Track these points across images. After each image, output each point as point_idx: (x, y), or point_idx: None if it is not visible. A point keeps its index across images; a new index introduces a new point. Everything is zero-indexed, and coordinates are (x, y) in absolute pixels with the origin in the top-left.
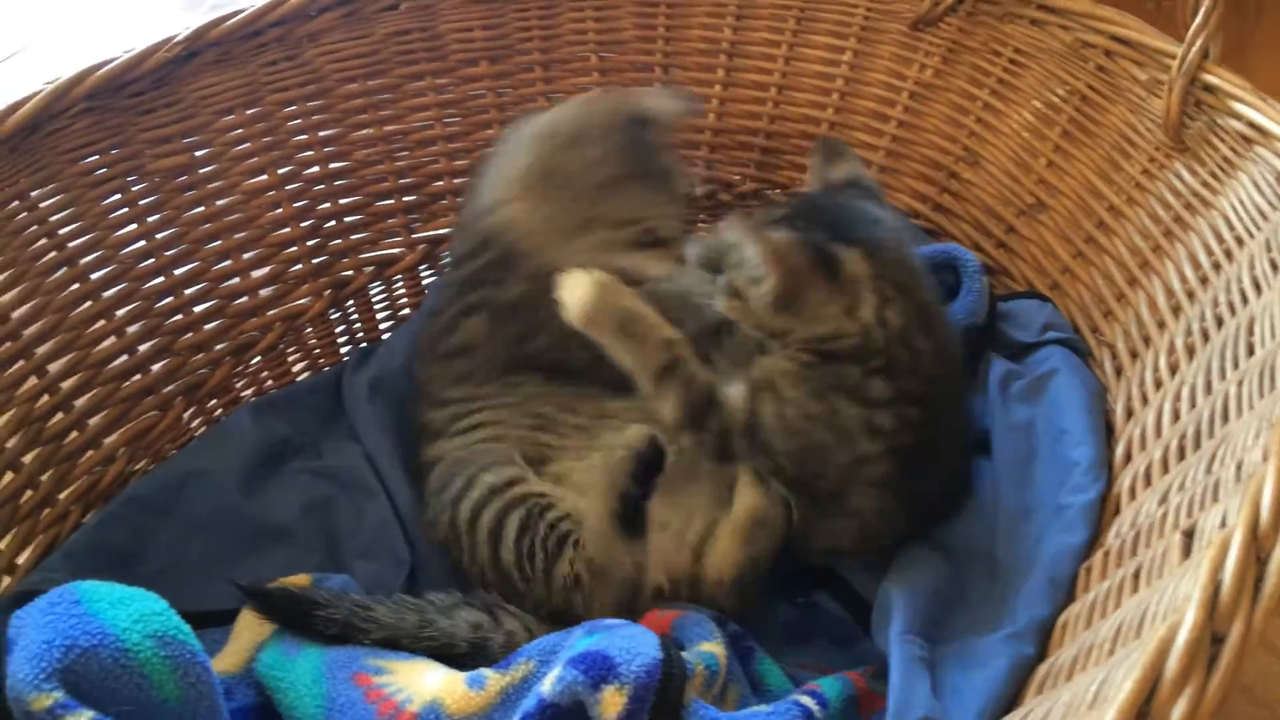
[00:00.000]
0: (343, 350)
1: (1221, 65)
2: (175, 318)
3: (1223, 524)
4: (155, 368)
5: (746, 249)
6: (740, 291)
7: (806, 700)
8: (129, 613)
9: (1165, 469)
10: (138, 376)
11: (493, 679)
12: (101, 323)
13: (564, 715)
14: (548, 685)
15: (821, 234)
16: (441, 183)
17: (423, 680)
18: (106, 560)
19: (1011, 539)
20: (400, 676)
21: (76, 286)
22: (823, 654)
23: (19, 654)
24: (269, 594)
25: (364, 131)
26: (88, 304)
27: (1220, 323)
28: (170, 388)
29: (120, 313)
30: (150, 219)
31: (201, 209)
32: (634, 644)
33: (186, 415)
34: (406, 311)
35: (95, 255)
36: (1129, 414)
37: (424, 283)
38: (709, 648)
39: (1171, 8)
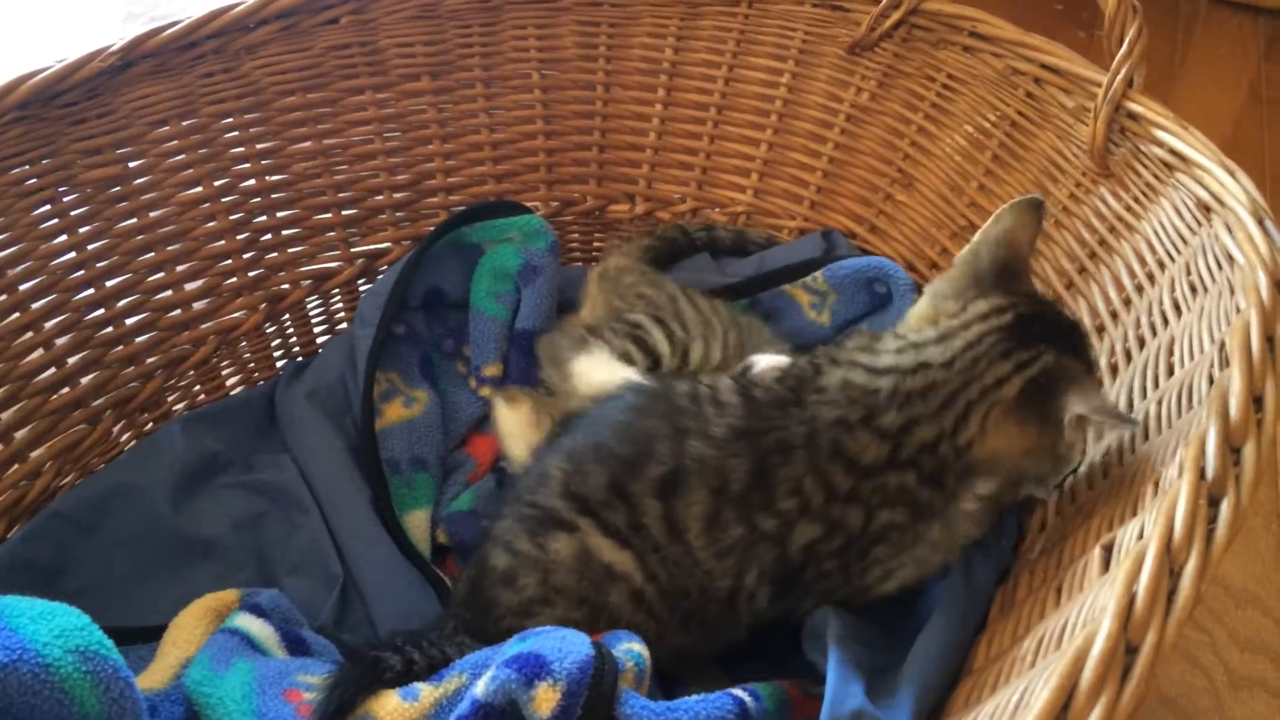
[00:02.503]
0: (278, 364)
1: (1148, 94)
2: (106, 330)
3: (1140, 538)
4: (84, 380)
5: None
6: None
7: (740, 693)
8: (49, 628)
9: (1089, 485)
10: (66, 389)
11: (426, 691)
12: (29, 334)
13: (497, 715)
14: (481, 687)
15: None
16: (381, 197)
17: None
18: (30, 576)
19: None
20: None
21: (4, 297)
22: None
23: None
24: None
25: (302, 145)
26: (15, 315)
27: (1142, 343)
28: (99, 401)
29: (49, 324)
30: (81, 230)
31: (134, 220)
32: (565, 644)
33: (116, 429)
34: (343, 325)
35: (24, 266)
36: None
37: (362, 295)
38: (634, 646)
39: (1102, 39)
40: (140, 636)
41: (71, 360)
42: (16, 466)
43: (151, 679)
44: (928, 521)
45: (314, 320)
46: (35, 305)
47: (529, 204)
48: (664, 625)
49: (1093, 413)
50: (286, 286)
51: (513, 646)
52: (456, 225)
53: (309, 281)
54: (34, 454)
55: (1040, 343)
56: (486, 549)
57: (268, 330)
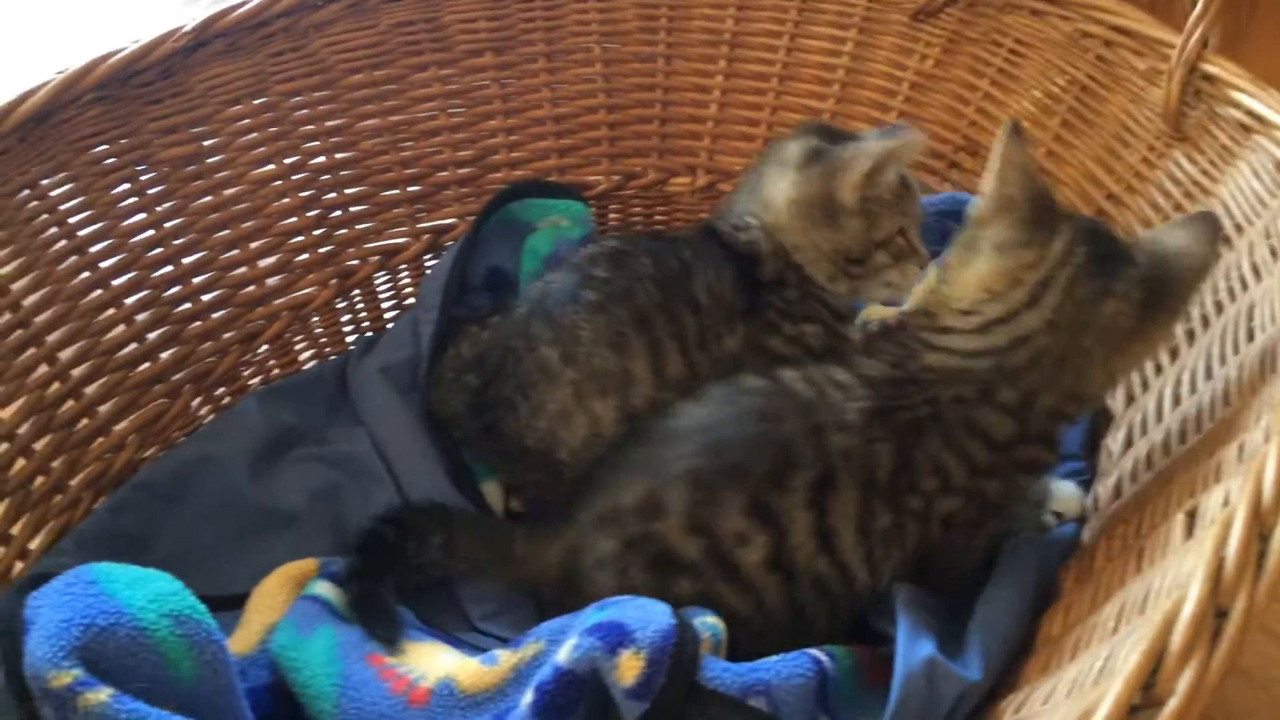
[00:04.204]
0: (348, 339)
1: (1220, 56)
2: (183, 306)
3: (1225, 503)
4: (164, 355)
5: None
6: None
7: (816, 653)
8: (145, 592)
9: (1166, 452)
10: (146, 364)
11: (505, 656)
12: (111, 311)
13: (579, 683)
14: (564, 654)
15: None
16: (446, 173)
17: (435, 660)
18: (117, 546)
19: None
20: (412, 658)
21: (86, 275)
22: None
23: (37, 633)
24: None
25: (369, 122)
26: (97, 292)
27: (1220, 309)
28: (178, 375)
29: (129, 301)
30: (158, 208)
31: (209, 198)
32: (647, 613)
33: (195, 403)
34: (411, 301)
35: (104, 244)
36: (1130, 400)
37: (428, 271)
38: (710, 619)
39: (1170, 0)
40: (224, 604)
41: (151, 336)
42: (101, 440)
43: (238, 644)
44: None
45: (382, 296)
46: (116, 282)
47: (591, 178)
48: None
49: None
50: (355, 262)
51: (593, 615)
52: (504, 203)
53: (377, 257)
54: (117, 427)
55: (1114, 257)
56: (585, 561)
57: (338, 306)
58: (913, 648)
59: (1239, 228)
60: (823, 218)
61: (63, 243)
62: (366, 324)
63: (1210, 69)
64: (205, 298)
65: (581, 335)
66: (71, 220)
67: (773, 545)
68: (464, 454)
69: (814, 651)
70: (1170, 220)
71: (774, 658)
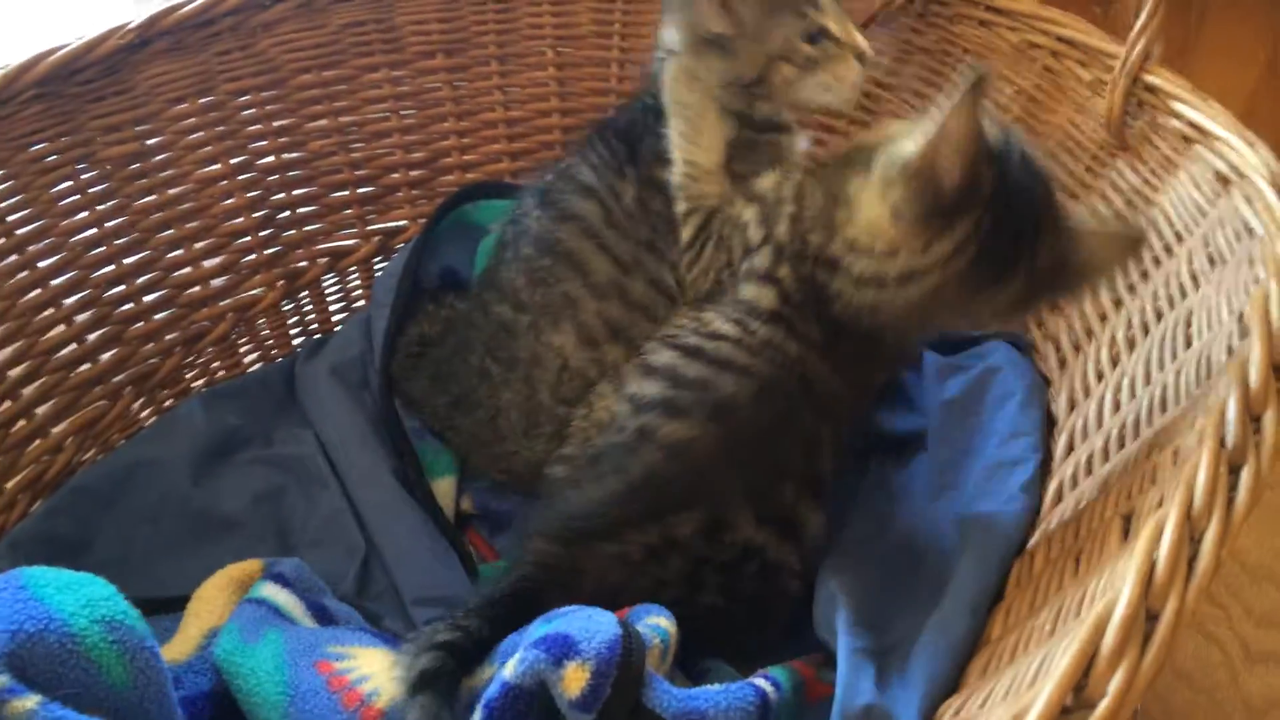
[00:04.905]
0: (295, 341)
1: (1164, 68)
2: (125, 307)
3: (1159, 507)
4: (104, 357)
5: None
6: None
7: (760, 682)
8: (76, 597)
9: (1106, 458)
10: (86, 366)
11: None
12: (50, 311)
13: (527, 697)
14: (510, 669)
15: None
16: (397, 175)
17: (386, 669)
18: (53, 550)
19: (949, 529)
20: (362, 661)
21: (24, 274)
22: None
23: None
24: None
25: (319, 123)
26: (36, 292)
27: (1160, 316)
28: (119, 377)
29: (69, 301)
30: (100, 207)
31: (153, 197)
32: (593, 624)
33: (136, 405)
34: (361, 303)
35: (44, 243)
36: (1071, 406)
37: (377, 274)
38: (658, 620)
39: (1117, 14)
40: (163, 607)
41: (91, 336)
42: (38, 442)
43: (175, 650)
44: None
45: (330, 298)
46: (55, 282)
47: None
48: None
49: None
50: (304, 264)
51: (539, 628)
52: (457, 204)
53: (325, 259)
54: (55, 430)
55: (1011, 251)
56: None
57: (285, 308)
58: (853, 689)
59: (1179, 236)
60: (709, 53)
61: (1, 241)
62: (314, 326)
63: (1152, 80)
64: (148, 298)
65: (519, 284)
66: (10, 219)
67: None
68: (420, 449)
69: (759, 681)
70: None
71: (717, 686)
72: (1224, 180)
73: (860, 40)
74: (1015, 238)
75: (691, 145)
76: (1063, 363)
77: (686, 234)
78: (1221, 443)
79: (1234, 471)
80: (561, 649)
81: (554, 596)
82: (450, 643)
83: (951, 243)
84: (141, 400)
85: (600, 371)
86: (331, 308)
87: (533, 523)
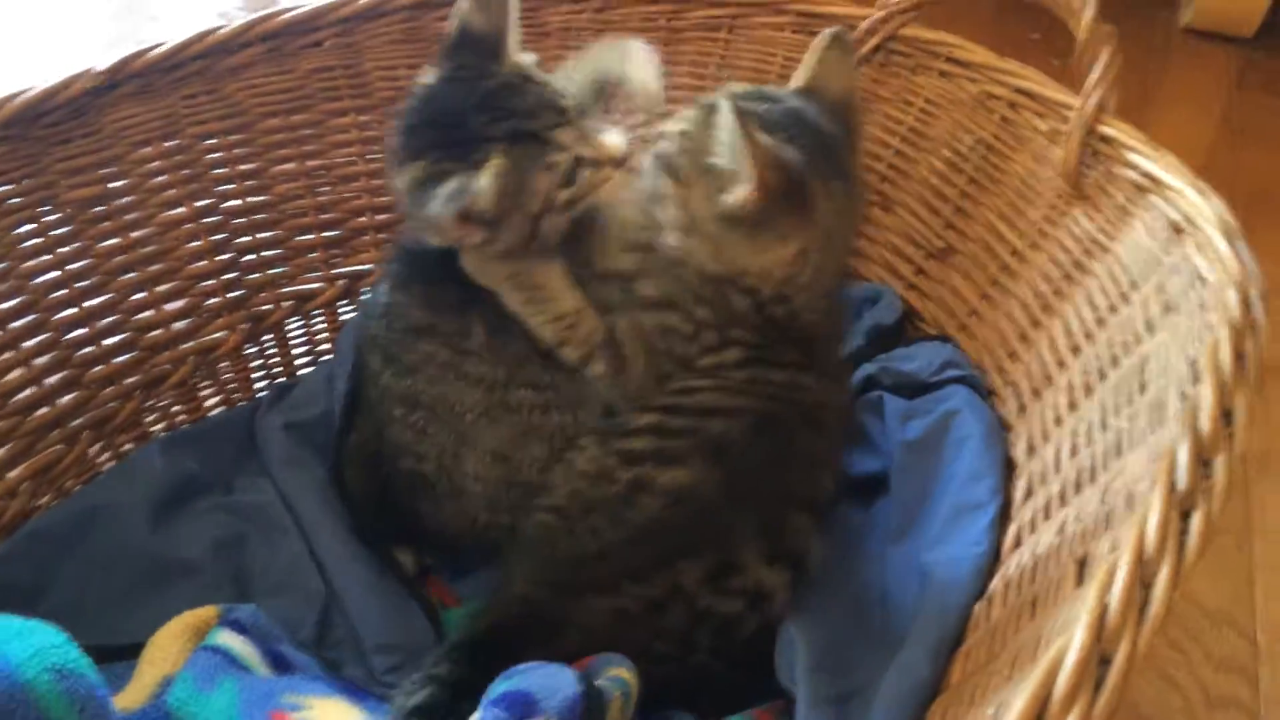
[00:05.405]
0: (258, 385)
1: (1122, 118)
2: (85, 350)
3: (1113, 550)
4: (63, 400)
5: (730, 146)
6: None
7: None
8: (25, 645)
9: (1063, 502)
10: (44, 409)
11: None
12: (8, 354)
13: None
14: None
15: (808, 161)
16: (364, 218)
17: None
18: (7, 596)
19: (910, 573)
20: (318, 711)
21: None
22: None
23: None
24: None
25: (286, 166)
26: None
27: (1116, 362)
28: (78, 421)
29: (28, 344)
30: (62, 249)
31: (116, 240)
32: (553, 681)
33: (94, 450)
34: (325, 347)
35: (4, 285)
36: (1031, 450)
37: (342, 318)
38: (619, 672)
39: (1076, 66)
40: (118, 655)
41: (50, 380)
42: None
43: (129, 698)
44: None
45: (294, 341)
46: (14, 324)
47: None
48: None
49: None
50: (268, 307)
51: (499, 685)
52: None
53: (290, 302)
54: (10, 474)
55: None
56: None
57: (248, 351)
58: None
59: (1134, 284)
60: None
61: None
62: (278, 370)
63: (1108, 131)
64: (108, 341)
65: (408, 440)
66: None
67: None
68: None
69: None
70: (1069, 277)
71: None
72: (1177, 229)
73: (611, 147)
74: (840, 170)
75: (545, 304)
76: (1022, 408)
77: (599, 368)
78: (1172, 488)
79: (1185, 516)
80: (522, 708)
81: (530, 646)
82: (422, 706)
83: (817, 214)
84: (100, 445)
85: (528, 467)
86: (295, 351)
87: (516, 568)
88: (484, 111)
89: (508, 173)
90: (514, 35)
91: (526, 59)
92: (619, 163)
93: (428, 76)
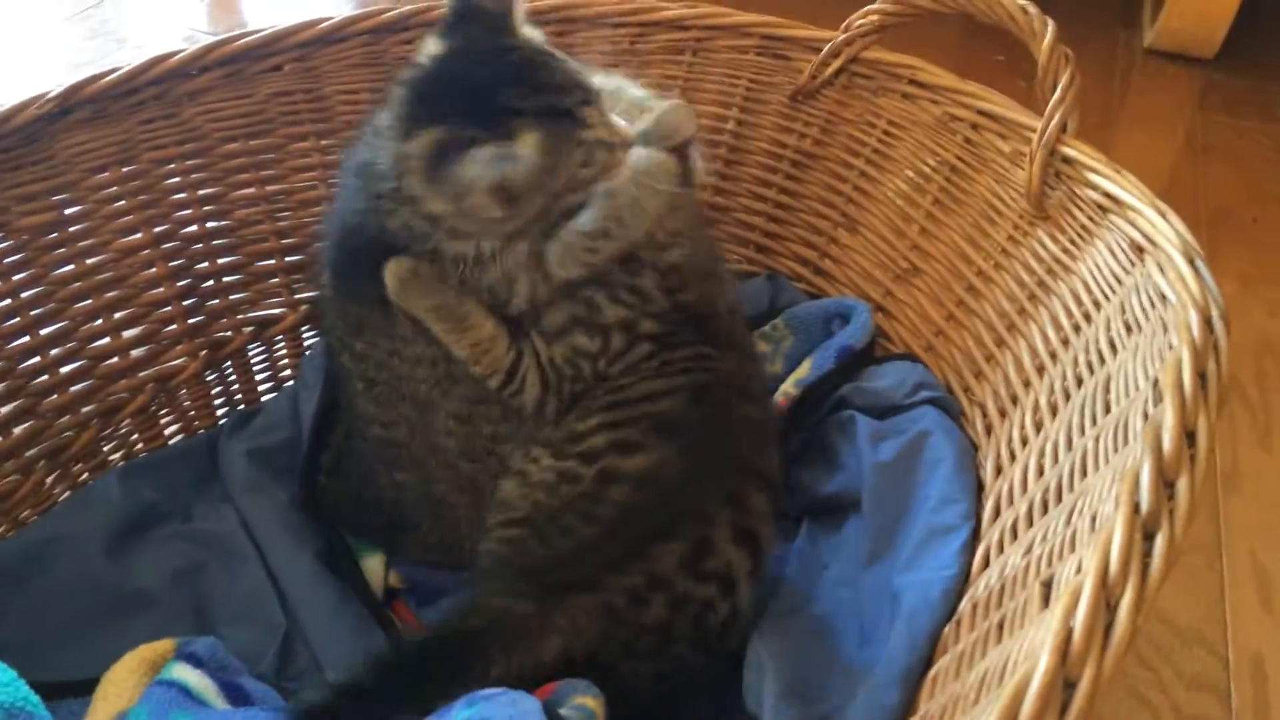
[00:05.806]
0: (219, 412)
1: (1086, 140)
2: (40, 379)
3: (1078, 572)
4: (17, 430)
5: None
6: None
7: None
8: None
9: (1030, 523)
10: None
11: None
12: None
13: None
14: None
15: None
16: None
17: None
18: None
19: (882, 597)
20: None
21: None
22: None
23: None
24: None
25: (245, 191)
26: None
27: (1080, 382)
28: (32, 451)
29: None
30: (15, 277)
31: (71, 267)
32: (517, 710)
33: (49, 480)
34: (287, 373)
35: None
36: (998, 471)
37: (306, 344)
38: (584, 700)
39: (1040, 88)
40: (72, 690)
41: (3, 409)
42: None
43: None
44: None
45: (256, 368)
46: None
47: None
48: None
49: None
50: (228, 333)
51: (460, 713)
52: None
53: (251, 328)
54: None
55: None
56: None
57: (208, 378)
58: None
59: (1097, 304)
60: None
61: None
62: (239, 397)
63: (1069, 152)
64: (64, 370)
65: (372, 411)
66: None
67: None
68: (344, 534)
69: None
70: (1033, 297)
71: None
72: (1139, 249)
73: (625, 130)
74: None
75: (462, 333)
76: (989, 428)
77: (496, 383)
78: (1136, 509)
79: (1149, 538)
80: None
81: (503, 657)
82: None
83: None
84: (56, 474)
85: (488, 425)
86: (257, 377)
87: (485, 585)
88: (516, 83)
89: (547, 147)
90: (520, 8)
91: (536, 34)
92: (629, 146)
93: (433, 47)
